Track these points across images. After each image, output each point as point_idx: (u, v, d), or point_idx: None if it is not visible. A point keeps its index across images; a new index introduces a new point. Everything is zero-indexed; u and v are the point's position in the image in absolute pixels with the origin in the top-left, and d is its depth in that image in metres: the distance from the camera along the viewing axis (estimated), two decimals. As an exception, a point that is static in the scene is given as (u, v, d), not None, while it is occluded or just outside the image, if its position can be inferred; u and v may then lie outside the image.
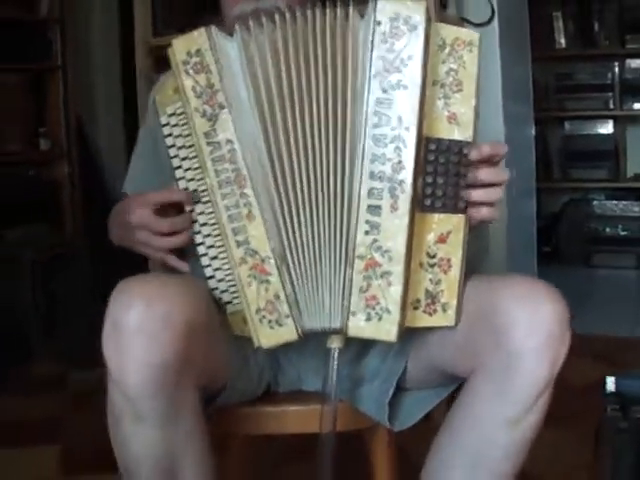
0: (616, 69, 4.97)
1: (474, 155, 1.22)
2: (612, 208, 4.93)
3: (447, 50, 1.23)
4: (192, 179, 1.31)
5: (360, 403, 1.42)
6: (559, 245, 4.86)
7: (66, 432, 2.66)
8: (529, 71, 3.82)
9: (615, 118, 5.05)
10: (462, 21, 2.93)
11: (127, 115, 4.38)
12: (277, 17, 1.25)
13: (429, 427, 2.28)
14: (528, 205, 3.79)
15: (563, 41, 5.08)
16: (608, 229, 4.89)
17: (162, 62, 3.27)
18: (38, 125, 3.89)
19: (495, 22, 3.01)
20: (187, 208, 1.32)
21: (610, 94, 4.98)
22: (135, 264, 3.70)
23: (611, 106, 4.99)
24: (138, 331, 1.11)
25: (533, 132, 3.89)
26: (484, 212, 1.24)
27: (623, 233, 4.86)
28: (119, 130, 4.43)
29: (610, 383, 1.74)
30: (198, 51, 1.26)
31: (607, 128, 5.06)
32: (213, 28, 1.27)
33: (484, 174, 1.23)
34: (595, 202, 4.98)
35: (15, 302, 3.60)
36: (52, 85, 3.93)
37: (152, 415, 1.15)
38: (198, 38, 1.26)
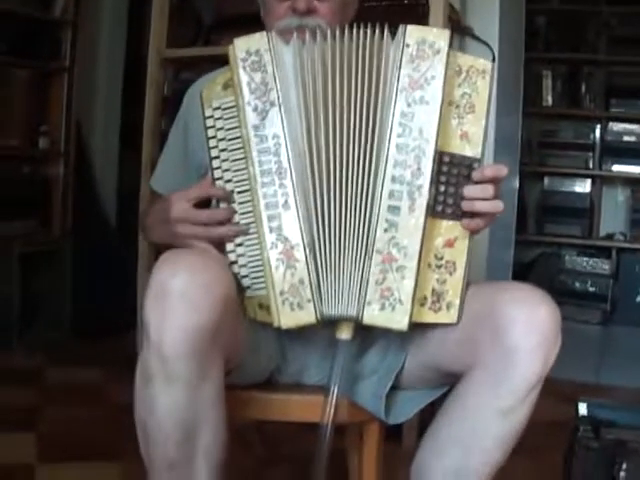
0: (598, 131, 5.13)
1: (477, 176, 1.35)
2: (582, 264, 5.07)
3: (463, 76, 1.38)
4: (228, 169, 1.42)
5: (357, 397, 1.51)
6: (528, 296, 4.93)
7: (43, 422, 2.71)
8: (519, 124, 3.90)
9: (593, 178, 5.19)
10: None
11: (124, 121, 4.47)
12: (328, 32, 1.38)
13: (400, 450, 2.38)
14: (506, 255, 3.85)
15: (550, 99, 5.24)
16: (577, 284, 5.02)
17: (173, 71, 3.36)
18: (39, 123, 3.93)
19: (495, 70, 3.08)
20: (222, 204, 1.42)
21: (590, 154, 5.14)
22: (116, 268, 3.76)
23: (590, 166, 5.15)
24: (181, 296, 1.20)
25: (517, 185, 3.98)
26: (479, 222, 1.37)
27: (591, 289, 4.99)
28: (115, 136, 4.51)
29: (582, 408, 1.86)
30: (257, 51, 1.38)
31: (584, 187, 5.20)
32: (273, 33, 1.39)
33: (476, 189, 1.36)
34: (567, 257, 5.12)
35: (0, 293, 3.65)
36: (57, 85, 3.97)
37: (183, 376, 1.23)
38: (259, 40, 1.39)
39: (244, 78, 1.38)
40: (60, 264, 3.94)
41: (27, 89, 3.85)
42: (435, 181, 1.34)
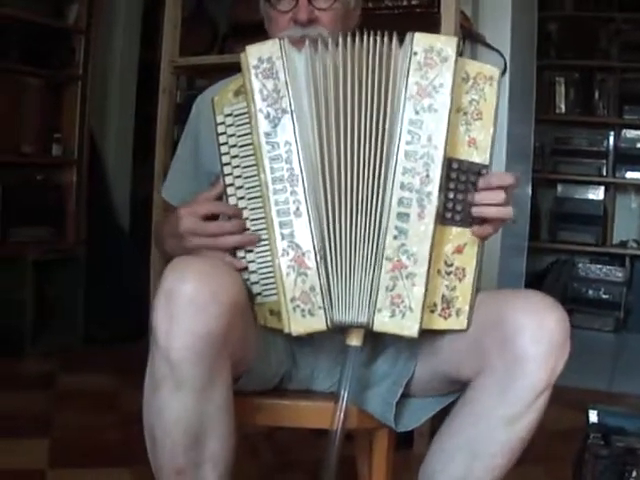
0: (611, 138, 5.12)
1: (482, 184, 1.35)
2: (596, 272, 5.06)
3: (470, 82, 1.38)
4: (239, 176, 1.42)
5: (367, 404, 1.51)
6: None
7: (55, 428, 2.72)
8: (532, 132, 3.88)
9: (606, 185, 5.18)
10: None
11: (137, 129, 4.50)
12: (340, 40, 1.38)
13: (411, 457, 2.38)
14: (518, 263, 3.84)
15: (563, 106, 5.23)
16: (590, 291, 5.01)
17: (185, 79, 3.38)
18: (53, 131, 3.95)
19: (506, 77, 3.09)
20: (231, 220, 1.42)
21: (604, 161, 5.12)
22: (129, 275, 3.78)
23: (604, 173, 5.14)
24: (189, 302, 1.21)
25: (530, 192, 3.97)
26: (488, 228, 1.37)
27: (605, 296, 4.98)
28: (128, 144, 4.54)
29: (593, 415, 1.86)
30: (269, 59, 1.38)
31: (598, 194, 5.18)
32: (286, 40, 1.39)
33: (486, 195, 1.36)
34: (580, 264, 5.11)
35: (13, 300, 3.67)
36: (71, 93, 4.00)
37: (191, 382, 1.24)
38: (272, 47, 1.39)
39: (256, 85, 1.38)
40: (73, 271, 3.97)
41: (40, 97, 3.86)
42: (444, 188, 1.35)
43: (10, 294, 3.67)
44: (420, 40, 1.36)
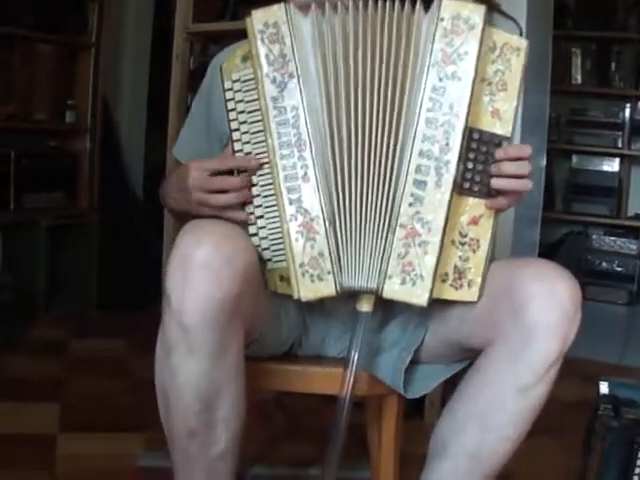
0: (628, 109, 5.07)
1: (500, 154, 1.33)
2: (610, 244, 5.04)
3: (497, 52, 1.36)
4: (248, 142, 1.41)
5: (377, 370, 1.51)
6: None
7: (66, 393, 2.74)
8: (547, 102, 3.85)
9: (622, 157, 5.14)
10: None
11: (151, 96, 4.48)
12: (351, 4, 1.36)
13: (422, 426, 2.38)
14: (532, 233, 3.82)
15: (579, 77, 5.18)
16: (604, 264, 4.99)
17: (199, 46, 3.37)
18: (66, 97, 3.94)
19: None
20: (242, 173, 1.42)
21: (620, 133, 5.07)
22: (141, 241, 3.78)
23: (619, 145, 5.09)
24: (204, 266, 1.21)
25: (544, 163, 3.94)
26: (504, 200, 1.35)
27: (618, 269, 4.96)
28: (142, 111, 4.52)
29: (603, 386, 1.85)
30: (275, 23, 1.37)
31: (613, 166, 5.14)
32: (291, 5, 1.38)
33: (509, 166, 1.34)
34: (594, 236, 5.09)
35: (26, 266, 3.69)
36: (84, 61, 3.98)
37: (203, 346, 1.23)
38: (277, 11, 1.37)
39: (262, 50, 1.37)
40: (86, 237, 3.98)
41: (54, 64, 3.84)
42: (463, 158, 1.33)
43: (23, 260, 3.69)
44: (448, 6, 1.33)
